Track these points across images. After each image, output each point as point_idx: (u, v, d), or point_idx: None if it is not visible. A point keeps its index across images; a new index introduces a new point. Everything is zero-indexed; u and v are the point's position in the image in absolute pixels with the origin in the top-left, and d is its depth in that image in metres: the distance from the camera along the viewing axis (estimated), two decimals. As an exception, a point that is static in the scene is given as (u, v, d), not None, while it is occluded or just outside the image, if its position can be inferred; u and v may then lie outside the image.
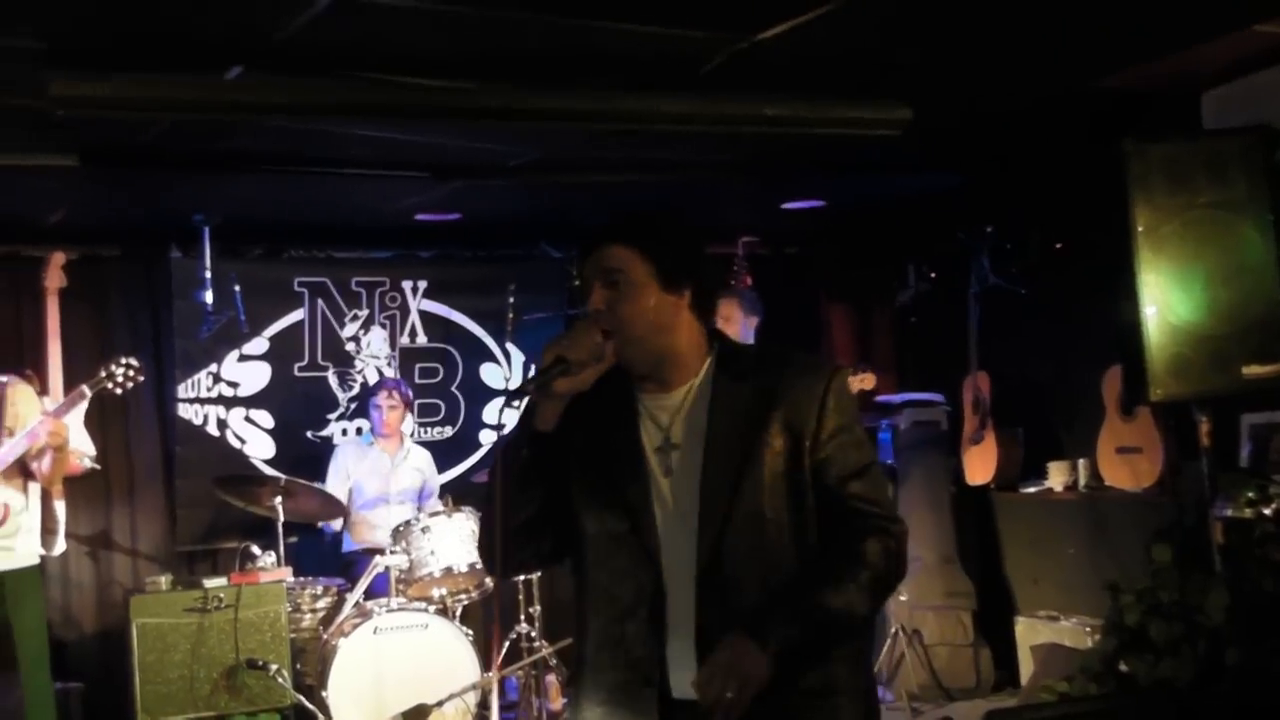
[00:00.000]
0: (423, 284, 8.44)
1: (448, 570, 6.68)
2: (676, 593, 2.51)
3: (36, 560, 5.81)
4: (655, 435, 2.58)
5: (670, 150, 6.28)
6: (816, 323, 9.18)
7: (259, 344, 8.00)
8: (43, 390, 6.15)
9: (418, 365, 8.44)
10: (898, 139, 5.57)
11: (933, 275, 8.35)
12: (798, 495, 2.53)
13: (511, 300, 8.14)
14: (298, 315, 8.09)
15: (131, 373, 6.03)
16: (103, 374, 5.98)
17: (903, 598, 7.52)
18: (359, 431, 8.14)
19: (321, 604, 6.83)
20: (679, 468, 2.55)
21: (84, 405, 5.99)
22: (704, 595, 2.49)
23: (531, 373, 2.45)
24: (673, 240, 2.59)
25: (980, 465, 7.67)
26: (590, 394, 2.54)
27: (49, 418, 5.69)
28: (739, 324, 6.64)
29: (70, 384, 6.30)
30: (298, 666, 6.61)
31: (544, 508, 2.58)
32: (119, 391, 6.06)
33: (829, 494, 2.54)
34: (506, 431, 2.63)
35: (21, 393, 5.82)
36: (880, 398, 7.99)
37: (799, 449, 2.53)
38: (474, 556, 6.66)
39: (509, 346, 8.59)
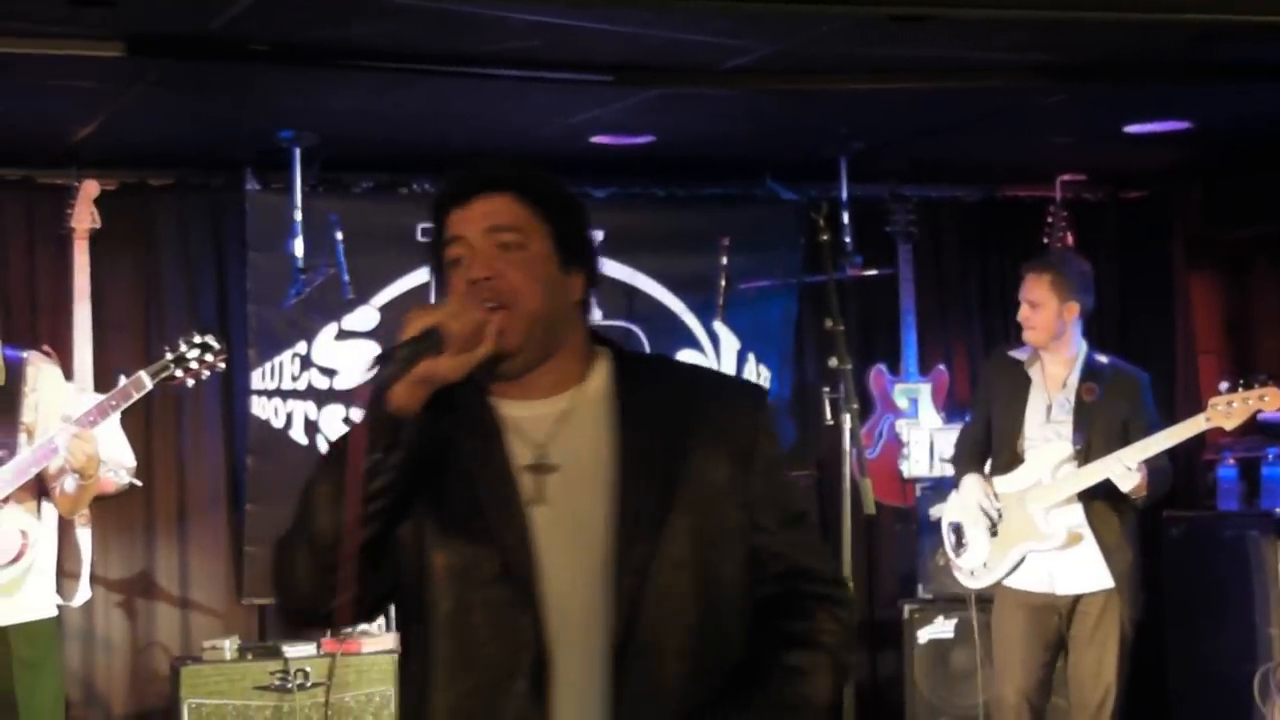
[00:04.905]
0: (597, 235, 8.36)
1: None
2: (566, 660, 2.73)
3: (53, 612, 5.85)
4: (524, 452, 2.82)
5: (965, 47, 6.22)
6: (1169, 303, 9.00)
7: (367, 316, 8.12)
8: (66, 372, 6.17)
9: (587, 351, 8.48)
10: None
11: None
12: (734, 541, 2.83)
13: (724, 261, 8.13)
14: (421, 276, 8.15)
15: (210, 357, 6.04)
16: (169, 356, 5.99)
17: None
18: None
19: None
20: (557, 495, 2.79)
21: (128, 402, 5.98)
22: (617, 665, 2.72)
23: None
24: (570, 207, 2.93)
25: None
26: (439, 395, 2.71)
27: (76, 424, 5.58)
28: (1052, 313, 6.33)
29: (101, 361, 6.35)
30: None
31: (384, 531, 2.72)
32: (190, 383, 6.08)
33: (763, 542, 2.85)
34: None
35: (46, 375, 5.75)
36: (1266, 415, 7.73)
37: (735, 484, 2.83)
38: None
39: (717, 328, 8.59)
